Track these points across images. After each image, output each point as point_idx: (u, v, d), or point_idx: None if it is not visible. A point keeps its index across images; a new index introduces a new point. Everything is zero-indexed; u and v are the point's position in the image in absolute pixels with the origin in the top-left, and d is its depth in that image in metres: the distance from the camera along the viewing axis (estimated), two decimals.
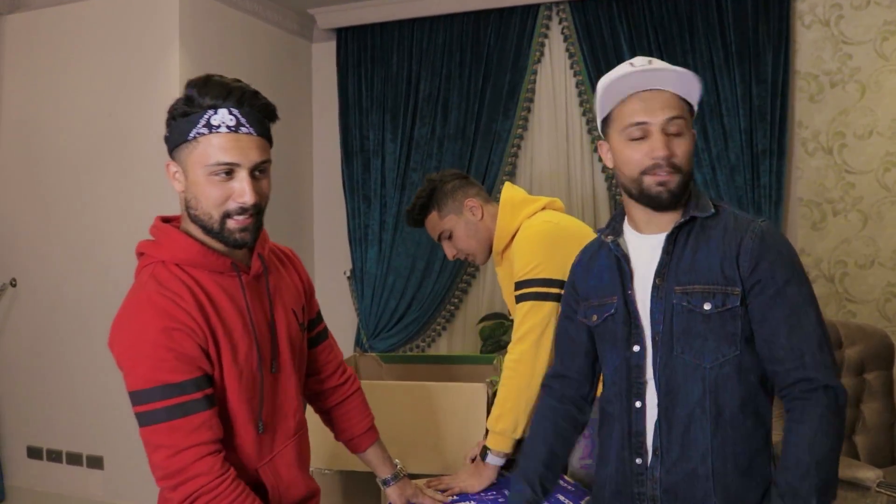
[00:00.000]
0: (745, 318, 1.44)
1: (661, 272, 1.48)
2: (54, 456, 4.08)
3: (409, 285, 4.48)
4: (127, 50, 3.81)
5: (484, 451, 2.07)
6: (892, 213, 3.82)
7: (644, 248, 1.53)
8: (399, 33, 4.51)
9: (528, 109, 4.34)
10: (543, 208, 2.24)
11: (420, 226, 2.35)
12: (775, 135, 3.87)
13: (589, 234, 2.17)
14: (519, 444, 2.05)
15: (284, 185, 4.62)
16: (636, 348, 1.49)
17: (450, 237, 2.29)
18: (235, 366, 1.44)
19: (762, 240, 1.43)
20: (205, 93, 1.36)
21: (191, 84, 1.38)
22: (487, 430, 2.09)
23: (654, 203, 1.47)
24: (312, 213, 4.90)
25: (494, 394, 2.48)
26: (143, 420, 1.36)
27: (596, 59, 4.11)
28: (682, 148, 1.45)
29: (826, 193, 3.94)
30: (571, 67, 4.25)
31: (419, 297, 4.48)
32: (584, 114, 4.23)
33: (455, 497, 2.00)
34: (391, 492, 1.89)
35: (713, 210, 1.49)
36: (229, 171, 1.40)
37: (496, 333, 4.14)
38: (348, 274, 4.68)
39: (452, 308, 4.52)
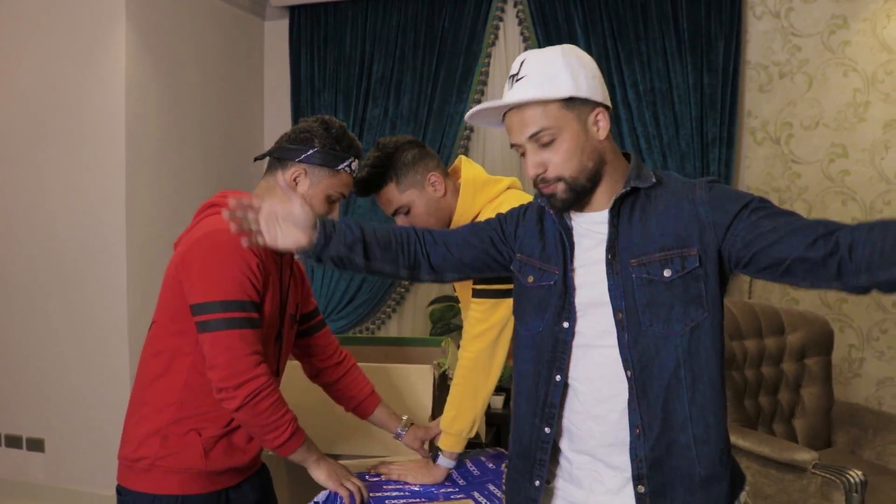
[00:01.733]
0: (708, 280, 1.41)
1: (611, 247, 1.44)
2: None
3: None
4: (71, 22, 3.71)
5: (435, 452, 2.01)
6: (835, 204, 3.90)
7: (583, 224, 1.50)
8: (353, 13, 4.47)
9: (482, 93, 4.33)
10: (507, 189, 2.11)
11: (369, 195, 2.10)
12: (725, 123, 3.92)
13: None
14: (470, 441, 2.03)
15: (234, 164, 4.55)
16: (566, 325, 1.47)
17: (407, 212, 2.07)
18: (266, 309, 1.75)
19: (712, 188, 1.41)
20: (347, 145, 1.80)
21: (333, 129, 1.80)
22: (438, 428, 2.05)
23: (555, 210, 1.48)
24: None
25: (442, 375, 2.48)
26: (221, 325, 1.61)
27: (550, 43, 4.11)
28: (556, 156, 1.41)
29: (773, 182, 4.00)
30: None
31: (370, 279, 4.45)
32: None
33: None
34: (407, 438, 2.10)
35: (653, 180, 1.45)
36: (336, 200, 1.83)
37: (446, 316, 4.15)
38: (298, 256, 4.62)
39: (403, 290, 4.51)
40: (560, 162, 1.41)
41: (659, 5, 3.96)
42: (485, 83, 4.31)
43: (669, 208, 1.42)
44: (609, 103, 1.47)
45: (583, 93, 1.40)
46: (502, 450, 2.21)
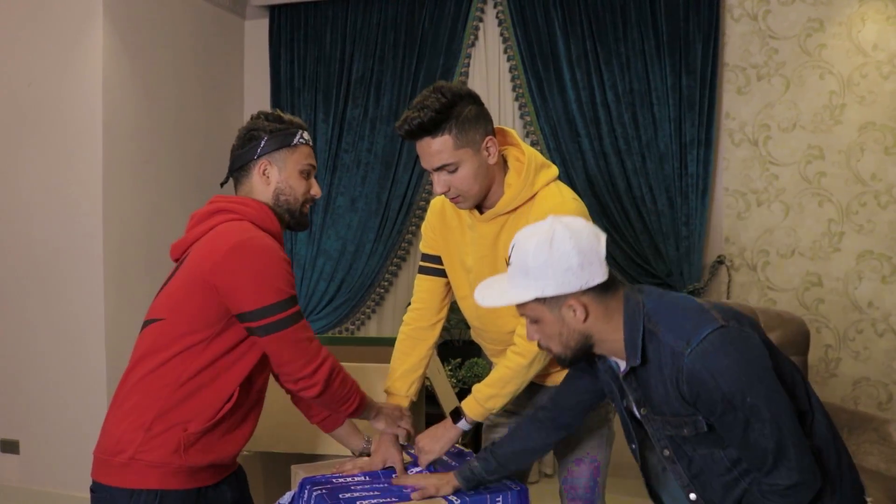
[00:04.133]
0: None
1: (641, 405, 1.62)
2: None
3: (338, 268, 4.45)
4: (48, 20, 3.67)
5: (458, 414, 1.99)
6: (811, 205, 3.93)
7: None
8: (333, 13, 4.46)
9: None
10: (555, 179, 1.99)
11: (419, 139, 1.87)
12: (703, 125, 3.94)
13: None
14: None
15: (215, 163, 4.52)
16: (633, 446, 1.75)
17: (453, 171, 1.87)
18: None
19: (690, 380, 1.48)
20: (289, 121, 1.88)
21: (270, 116, 1.89)
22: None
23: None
24: None
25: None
26: (284, 324, 1.69)
27: (530, 44, 4.13)
28: (542, 335, 1.59)
29: (751, 184, 4.03)
30: (505, 52, 4.26)
31: (349, 279, 4.45)
32: (516, 98, 4.24)
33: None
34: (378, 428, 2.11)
35: (638, 361, 1.54)
36: (309, 173, 1.89)
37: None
38: None
39: (382, 291, 4.50)
40: (545, 339, 1.59)
41: (638, 7, 3.98)
42: (464, 84, 4.30)
43: (663, 385, 1.54)
44: (597, 280, 1.51)
45: (549, 292, 1.50)
46: (461, 447, 2.20)
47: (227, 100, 4.70)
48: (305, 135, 1.91)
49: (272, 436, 2.25)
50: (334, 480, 1.94)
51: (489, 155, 1.90)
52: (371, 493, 1.86)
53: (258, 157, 1.85)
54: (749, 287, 4.05)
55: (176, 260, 1.85)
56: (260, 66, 4.74)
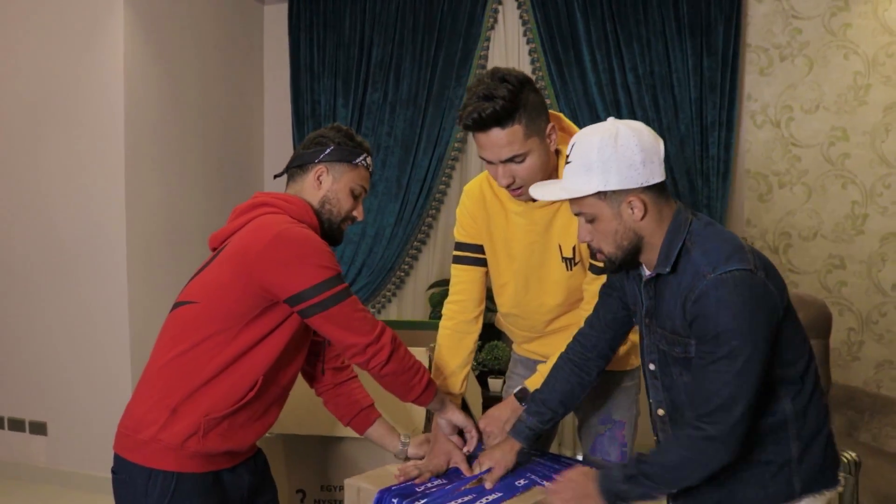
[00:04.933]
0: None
1: (648, 314, 1.68)
2: None
3: (359, 252, 4.46)
4: (69, 7, 3.70)
5: (523, 396, 2.01)
6: (834, 187, 3.89)
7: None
8: None
9: None
10: None
11: (488, 130, 1.77)
12: (725, 107, 3.91)
13: None
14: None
15: (235, 150, 4.55)
16: (651, 366, 1.74)
17: (521, 161, 1.80)
18: None
19: (697, 301, 1.51)
20: (358, 142, 1.95)
21: (342, 130, 1.96)
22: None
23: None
24: (263, 179, 4.84)
25: None
26: (342, 296, 1.74)
27: (549, 27, 4.10)
28: (597, 234, 1.62)
29: (773, 166, 4.00)
30: (525, 35, 4.23)
31: (369, 263, 4.47)
32: (536, 81, 4.20)
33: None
34: (411, 451, 2.08)
35: (668, 269, 1.59)
36: (359, 195, 1.96)
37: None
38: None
39: (402, 274, 4.52)
40: (598, 239, 1.63)
41: None
42: (484, 67, 4.28)
43: (675, 299, 1.59)
44: (657, 179, 1.56)
45: (611, 186, 1.54)
46: (551, 453, 2.17)
47: (248, 85, 4.71)
48: (368, 159, 1.97)
49: (294, 418, 2.28)
50: (417, 489, 1.83)
51: (551, 141, 1.84)
52: (470, 497, 1.79)
53: (318, 161, 1.92)
54: None
55: (214, 249, 1.88)
56: (279, 51, 4.75)
